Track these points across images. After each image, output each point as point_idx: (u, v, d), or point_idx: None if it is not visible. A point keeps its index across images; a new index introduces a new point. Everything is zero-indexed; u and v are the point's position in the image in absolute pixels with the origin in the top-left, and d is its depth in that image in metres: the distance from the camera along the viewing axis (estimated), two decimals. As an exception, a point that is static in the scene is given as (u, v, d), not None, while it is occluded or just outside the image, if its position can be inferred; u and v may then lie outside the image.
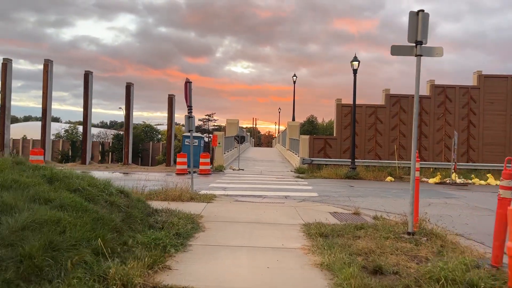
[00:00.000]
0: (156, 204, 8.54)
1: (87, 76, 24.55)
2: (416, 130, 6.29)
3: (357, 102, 21.35)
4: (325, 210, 9.25)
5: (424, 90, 24.79)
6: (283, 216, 8.00)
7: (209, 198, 9.96)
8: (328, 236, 6.03)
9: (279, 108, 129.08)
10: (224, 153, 24.58)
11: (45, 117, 24.00)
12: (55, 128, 56.92)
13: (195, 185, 14.48)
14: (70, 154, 42.00)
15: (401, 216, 8.41)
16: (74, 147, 44.38)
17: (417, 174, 6.48)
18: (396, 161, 21.35)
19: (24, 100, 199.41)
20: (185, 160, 20.22)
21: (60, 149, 45.80)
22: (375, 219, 8.17)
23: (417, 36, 6.16)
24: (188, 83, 10.72)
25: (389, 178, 19.15)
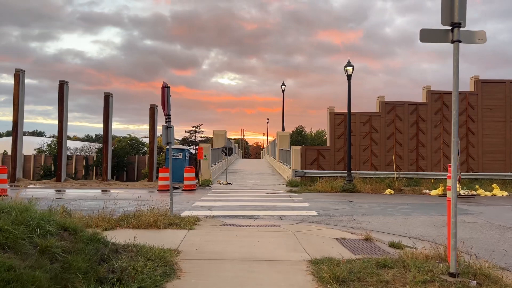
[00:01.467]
0: (124, 236, 6.94)
1: (62, 87, 22.83)
2: (456, 135, 4.84)
3: (350, 110, 20.04)
4: (329, 235, 7.75)
5: (420, 97, 23.71)
6: (281, 247, 6.47)
7: (191, 223, 8.37)
8: (346, 281, 4.52)
9: (267, 119, 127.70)
10: (211, 166, 23.01)
11: (16, 130, 22.14)
12: (37, 143, 54.49)
13: (177, 204, 12.85)
14: (53, 169, 39.92)
15: (426, 242, 6.96)
16: (57, 162, 42.42)
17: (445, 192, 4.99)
18: (395, 172, 20.03)
19: (7, 114, 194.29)
20: (168, 175, 18.57)
21: (43, 164, 43.68)
22: (394, 247, 6.71)
23: (453, 17, 4.77)
24: (165, 87, 9.20)
25: (388, 191, 17.79)
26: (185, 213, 10.72)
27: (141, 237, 6.89)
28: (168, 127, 9.29)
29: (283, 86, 35.06)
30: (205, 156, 21.53)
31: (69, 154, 48.04)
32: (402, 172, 20.58)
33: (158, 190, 18.23)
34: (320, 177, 20.55)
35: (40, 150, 53.27)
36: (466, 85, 23.71)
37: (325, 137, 77.07)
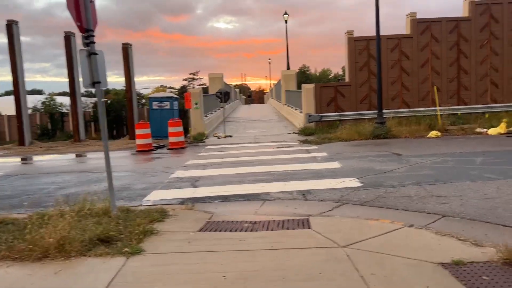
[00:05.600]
0: None
1: (11, 28, 18.14)
2: None
3: (369, 35, 15.39)
4: (423, 253, 3.70)
5: (460, 11, 18.78)
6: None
7: (142, 232, 4.35)
8: None
9: (269, 59, 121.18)
10: (206, 116, 18.86)
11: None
12: (31, 101, 50.53)
13: (146, 176, 8.32)
14: (50, 127, 36.56)
15: None
16: (53, 120, 39.22)
17: None
18: (438, 108, 15.70)
19: (3, 74, 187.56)
20: (148, 131, 14.54)
21: (38, 123, 40.13)
22: None
23: None
24: (75, -24, 4.77)
25: (433, 133, 13.63)
26: (150, 197, 6.72)
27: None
28: (91, 54, 4.95)
29: (285, 16, 29.83)
30: (196, 104, 17.28)
31: (66, 111, 44.21)
32: (445, 108, 16.24)
33: (136, 151, 14.27)
34: (340, 121, 16.36)
35: (34, 109, 49.41)
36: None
37: (330, 76, 71.89)
